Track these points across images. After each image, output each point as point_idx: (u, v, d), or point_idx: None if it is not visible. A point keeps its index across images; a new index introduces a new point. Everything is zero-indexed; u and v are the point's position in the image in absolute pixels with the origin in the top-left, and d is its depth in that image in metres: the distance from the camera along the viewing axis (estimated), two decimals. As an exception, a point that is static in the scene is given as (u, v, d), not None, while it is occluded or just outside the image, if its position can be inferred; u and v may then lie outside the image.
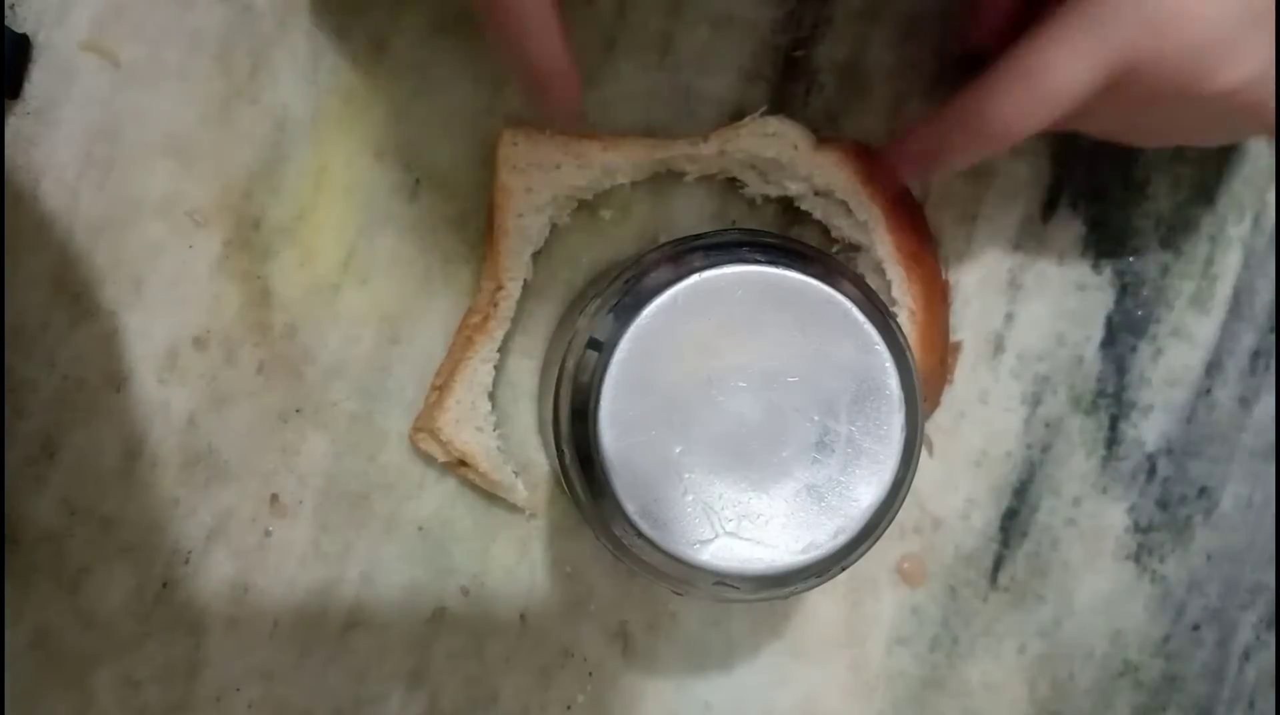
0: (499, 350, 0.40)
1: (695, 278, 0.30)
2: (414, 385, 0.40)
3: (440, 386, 0.39)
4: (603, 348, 0.30)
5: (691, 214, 0.41)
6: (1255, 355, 0.41)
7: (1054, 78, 0.31)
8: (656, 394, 0.30)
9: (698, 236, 0.33)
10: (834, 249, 0.40)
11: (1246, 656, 0.41)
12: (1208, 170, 0.41)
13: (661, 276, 0.31)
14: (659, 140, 0.39)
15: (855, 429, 0.30)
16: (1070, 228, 0.41)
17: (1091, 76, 0.31)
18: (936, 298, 0.39)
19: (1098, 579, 0.41)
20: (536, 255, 0.40)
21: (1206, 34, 0.30)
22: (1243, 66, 0.31)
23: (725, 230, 0.34)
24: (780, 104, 0.41)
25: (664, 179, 0.40)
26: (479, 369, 0.39)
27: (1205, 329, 0.41)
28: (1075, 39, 0.31)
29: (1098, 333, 0.41)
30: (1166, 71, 0.30)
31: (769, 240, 0.32)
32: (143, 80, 0.40)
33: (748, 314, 0.30)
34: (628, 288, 0.31)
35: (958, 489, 0.41)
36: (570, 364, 0.32)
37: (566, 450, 0.32)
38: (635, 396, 0.30)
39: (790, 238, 0.32)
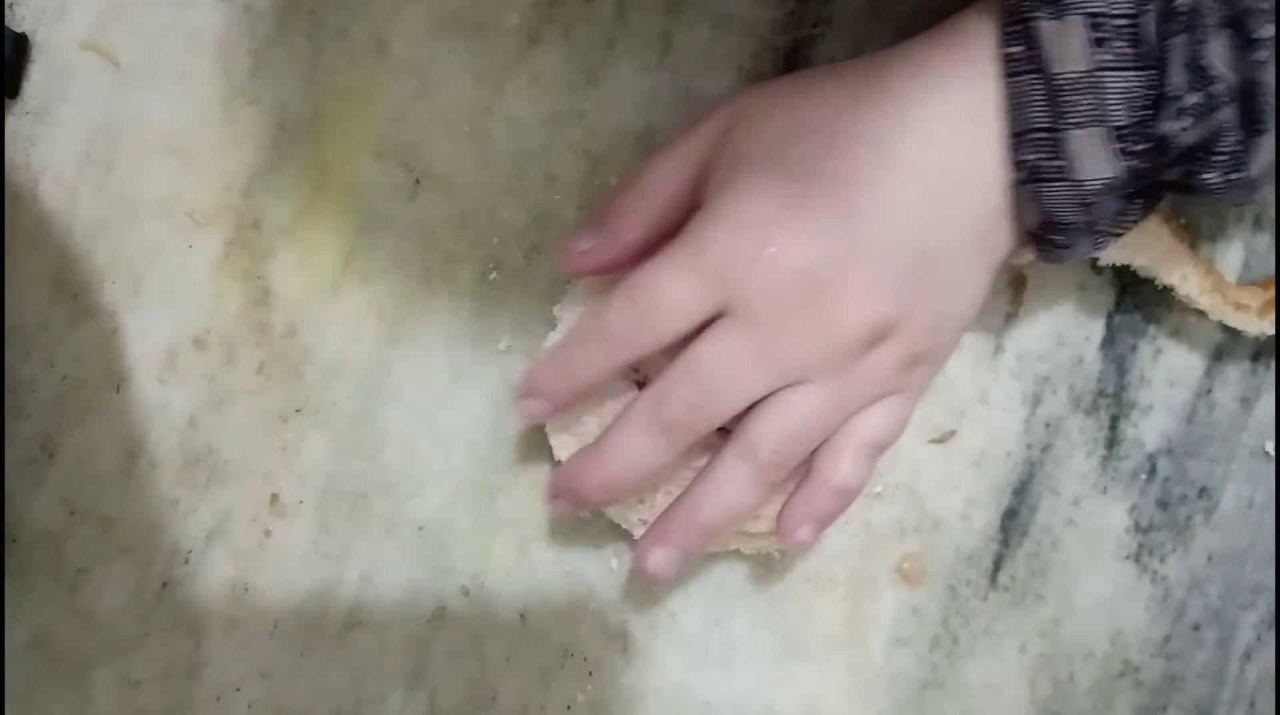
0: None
1: None
2: (414, 385, 0.40)
3: None
4: None
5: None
6: (1256, 355, 0.41)
7: (662, 295, 0.34)
8: None
9: None
10: None
11: (1247, 657, 0.41)
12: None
13: None
14: None
15: None
16: (1070, 228, 0.41)
17: (699, 302, 0.34)
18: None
19: (1098, 579, 0.41)
20: (536, 255, 0.40)
21: (792, 275, 0.33)
22: (859, 303, 0.33)
23: None
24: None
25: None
26: None
27: (1206, 329, 0.41)
28: (679, 262, 0.34)
29: (1098, 333, 0.41)
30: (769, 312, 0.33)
31: None
32: (142, 80, 0.40)
33: None
34: None
35: (958, 489, 0.41)
36: None
37: None
38: None
39: None
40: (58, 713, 0.40)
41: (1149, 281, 0.40)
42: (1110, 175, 0.32)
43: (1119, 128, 0.31)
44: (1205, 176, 0.32)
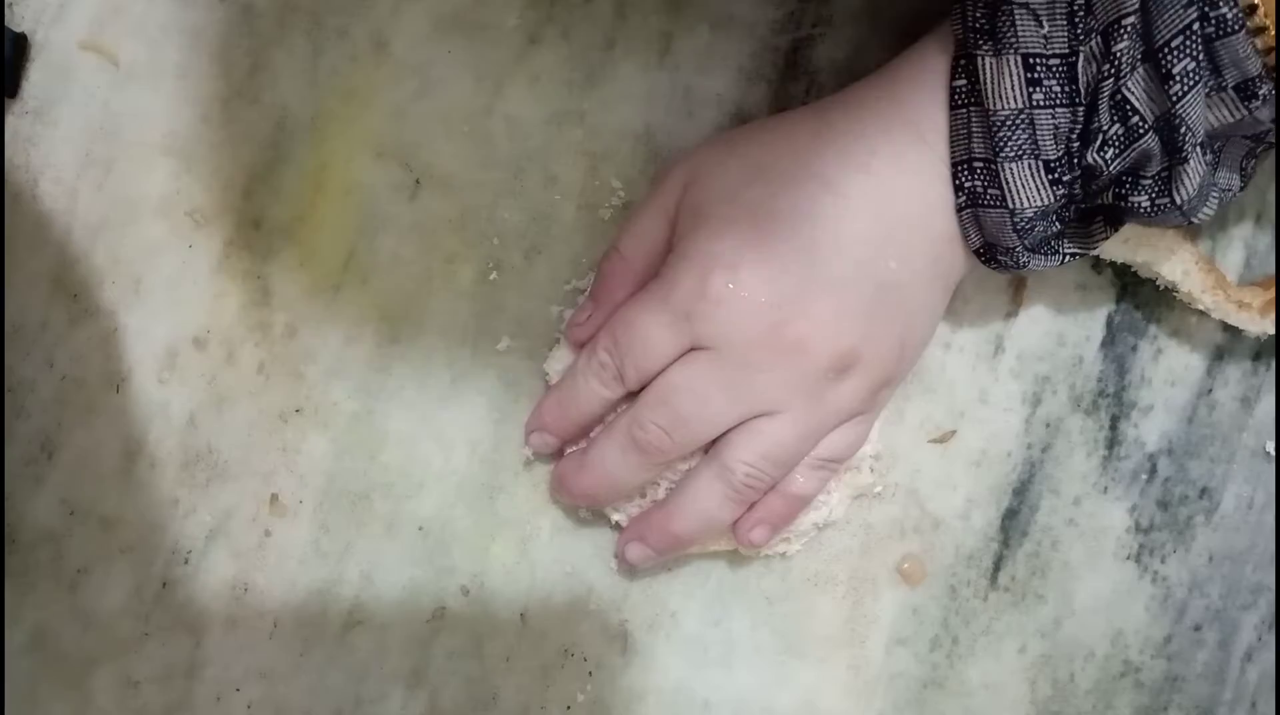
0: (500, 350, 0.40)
1: None
2: (414, 385, 0.40)
3: None
4: None
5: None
6: (1256, 355, 0.41)
7: (638, 335, 0.36)
8: None
9: None
10: None
11: (1248, 657, 0.41)
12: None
13: None
14: None
15: None
16: (1071, 227, 0.41)
17: (673, 339, 0.35)
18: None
19: (1098, 579, 0.41)
20: (536, 255, 0.40)
21: (756, 310, 0.35)
22: (824, 335, 0.35)
23: None
24: (780, 104, 0.41)
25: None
26: None
27: (1206, 329, 0.41)
28: (652, 304, 0.36)
29: (1098, 333, 0.41)
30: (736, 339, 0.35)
31: None
32: (142, 80, 0.40)
33: None
34: None
35: (958, 489, 0.41)
36: None
37: None
38: None
39: None
40: (58, 713, 0.40)
41: (1149, 281, 0.40)
42: (1043, 203, 0.34)
43: (1049, 160, 0.33)
44: (1135, 200, 0.34)
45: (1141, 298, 0.41)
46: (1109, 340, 0.41)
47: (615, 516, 0.39)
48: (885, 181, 0.35)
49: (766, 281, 0.35)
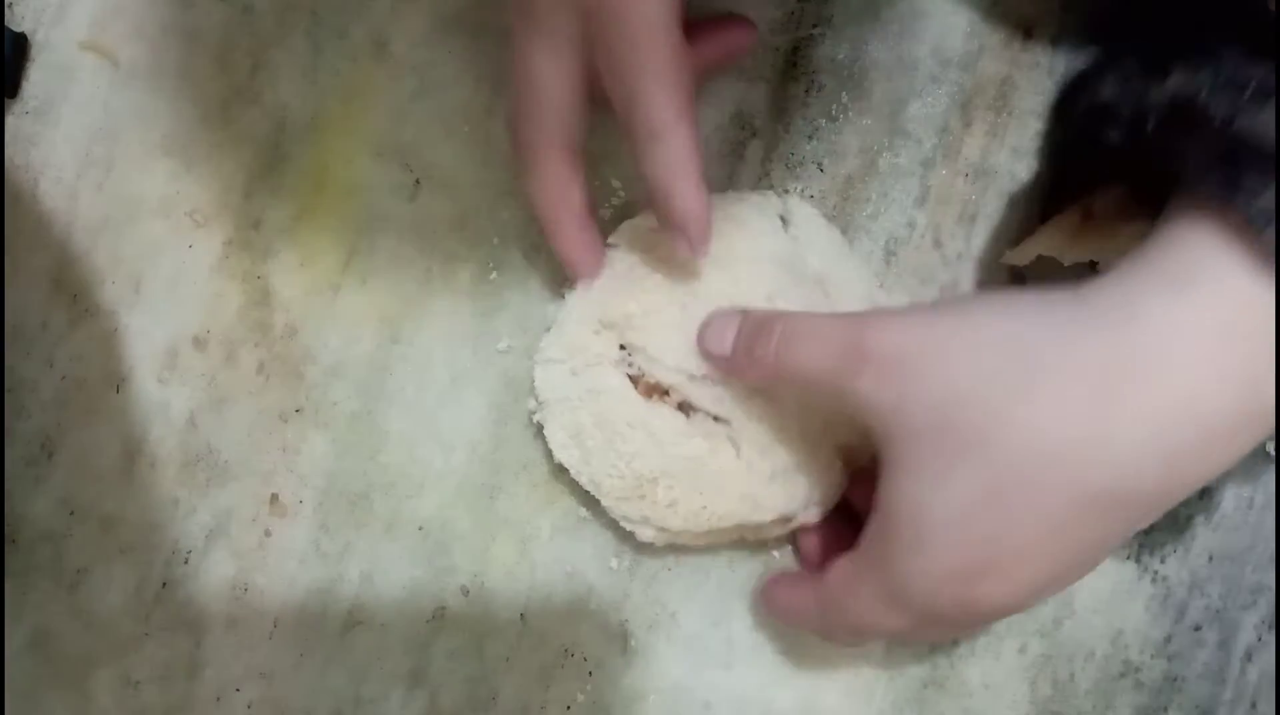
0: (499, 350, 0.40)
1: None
2: (414, 385, 0.40)
3: None
4: None
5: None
6: (1256, 355, 0.41)
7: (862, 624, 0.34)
8: None
9: None
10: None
11: (1248, 657, 0.41)
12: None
13: None
14: None
15: None
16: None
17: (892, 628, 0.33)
18: None
19: (1098, 579, 0.41)
20: (536, 255, 0.40)
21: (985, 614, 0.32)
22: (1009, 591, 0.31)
23: None
24: (780, 104, 0.41)
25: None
26: None
27: (1206, 329, 0.41)
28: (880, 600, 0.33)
29: (1098, 332, 0.41)
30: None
31: None
32: (142, 80, 0.40)
33: None
34: None
35: (958, 489, 0.41)
36: None
37: None
38: None
39: None
40: (58, 713, 0.40)
41: (1149, 281, 0.40)
42: None
43: None
44: None
45: (1141, 298, 0.41)
46: (1109, 340, 0.41)
47: (626, 519, 0.39)
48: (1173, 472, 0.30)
49: (1008, 594, 0.31)
